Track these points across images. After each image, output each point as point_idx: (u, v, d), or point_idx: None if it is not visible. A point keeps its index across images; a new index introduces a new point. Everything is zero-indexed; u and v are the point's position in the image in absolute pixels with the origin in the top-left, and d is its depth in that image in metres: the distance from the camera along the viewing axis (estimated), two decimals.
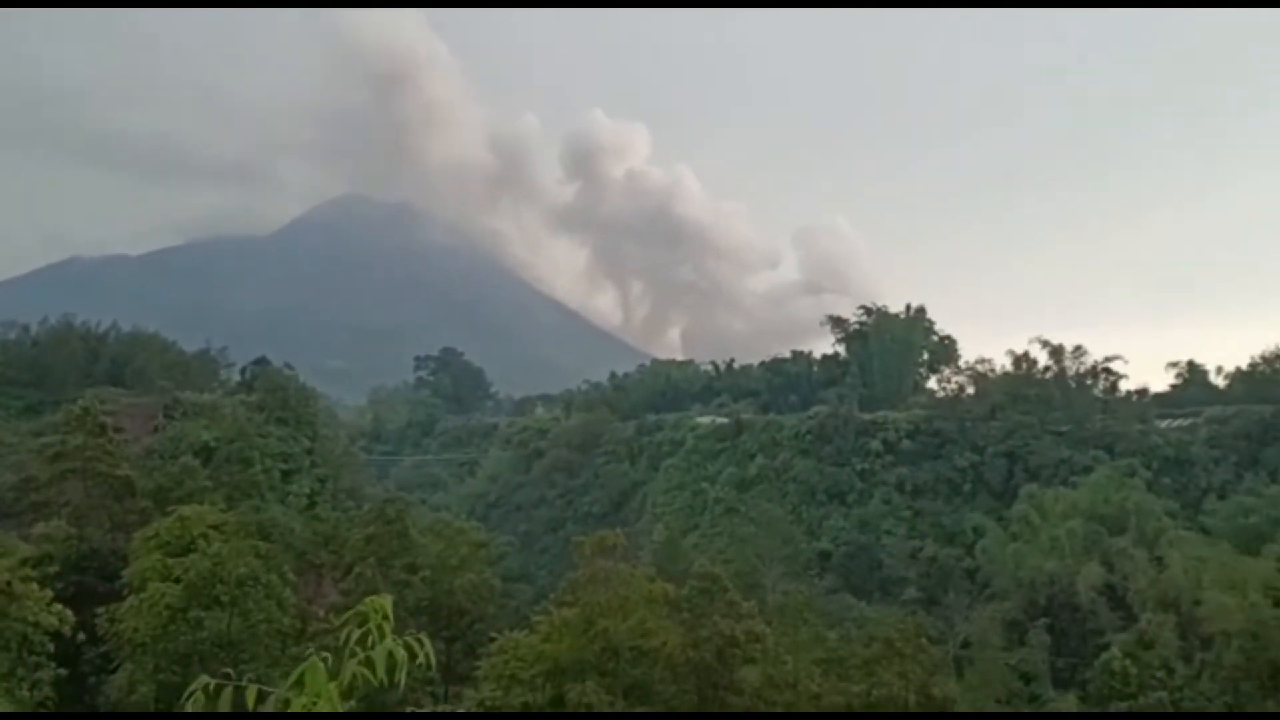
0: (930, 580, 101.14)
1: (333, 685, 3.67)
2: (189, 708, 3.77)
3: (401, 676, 3.79)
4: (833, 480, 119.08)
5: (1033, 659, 70.22)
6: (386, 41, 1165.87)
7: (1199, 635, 65.28)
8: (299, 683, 3.69)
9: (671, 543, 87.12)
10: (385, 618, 3.81)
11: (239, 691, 3.77)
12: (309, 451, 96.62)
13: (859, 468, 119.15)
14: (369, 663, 3.76)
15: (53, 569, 35.80)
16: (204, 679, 3.83)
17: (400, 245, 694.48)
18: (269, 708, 3.68)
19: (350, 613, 3.88)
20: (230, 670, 37.40)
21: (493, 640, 37.29)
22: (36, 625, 28.65)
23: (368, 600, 3.86)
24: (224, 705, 3.76)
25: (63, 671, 31.29)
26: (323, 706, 3.66)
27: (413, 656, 3.88)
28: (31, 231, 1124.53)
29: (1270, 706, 50.74)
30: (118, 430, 57.52)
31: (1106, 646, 66.35)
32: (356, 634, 3.74)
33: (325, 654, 3.70)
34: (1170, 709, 39.88)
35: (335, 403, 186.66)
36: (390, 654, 3.73)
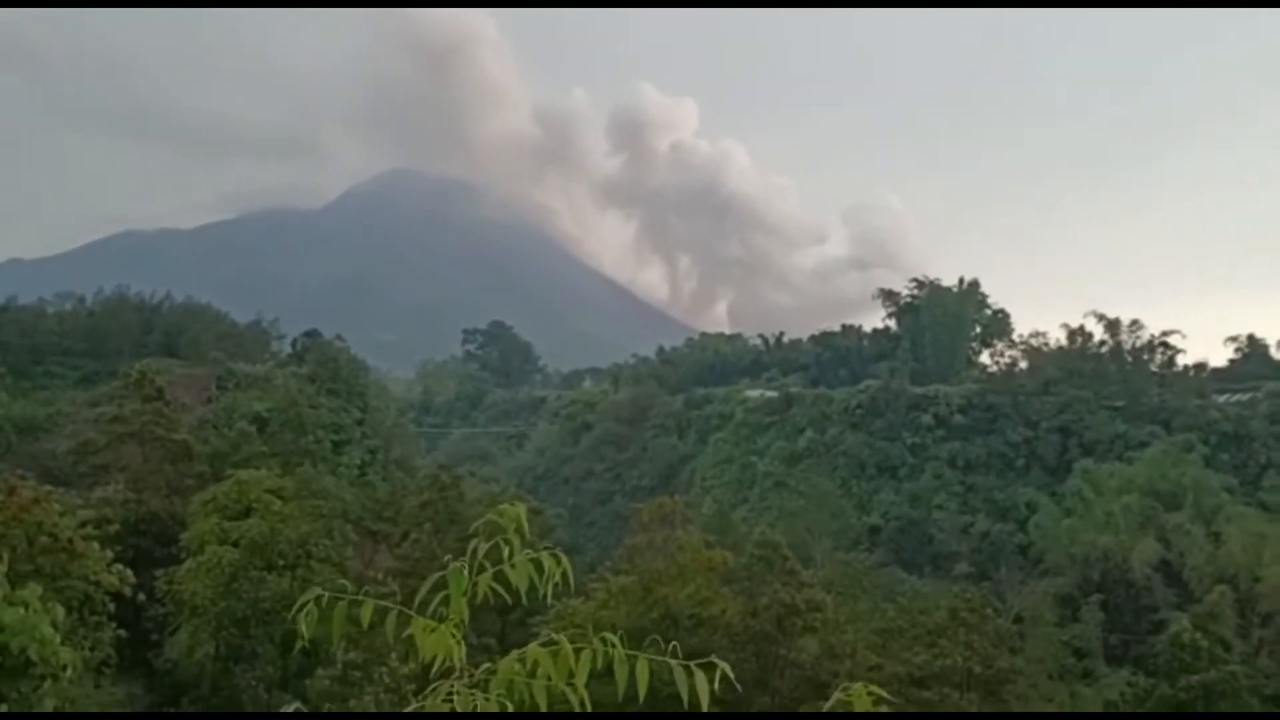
0: (982, 555, 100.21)
1: (463, 600, 3.33)
2: (301, 621, 3.44)
3: (547, 590, 3.44)
4: (883, 454, 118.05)
5: (1086, 634, 69.60)
6: (435, 15, 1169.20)
7: (1258, 612, 64.28)
8: (436, 589, 3.34)
9: (721, 516, 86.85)
10: (519, 528, 3.44)
11: (354, 605, 3.43)
12: (360, 423, 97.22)
13: (910, 442, 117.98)
14: (502, 577, 3.40)
15: (113, 528, 36.06)
16: (315, 591, 3.48)
17: (449, 219, 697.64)
18: (390, 623, 3.35)
19: (479, 521, 3.52)
20: (292, 629, 37.62)
21: (550, 608, 37.15)
22: (98, 585, 28.81)
23: (501, 508, 3.50)
24: (337, 619, 3.42)
25: (123, 633, 31.52)
26: (452, 620, 3.31)
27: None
28: (86, 206, 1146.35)
29: None
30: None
31: (1162, 623, 65.53)
32: (485, 547, 3.38)
33: (461, 563, 3.34)
34: (1242, 682, 39.04)
35: (385, 376, 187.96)
36: (534, 566, 3.35)
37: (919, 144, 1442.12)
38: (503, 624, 43.39)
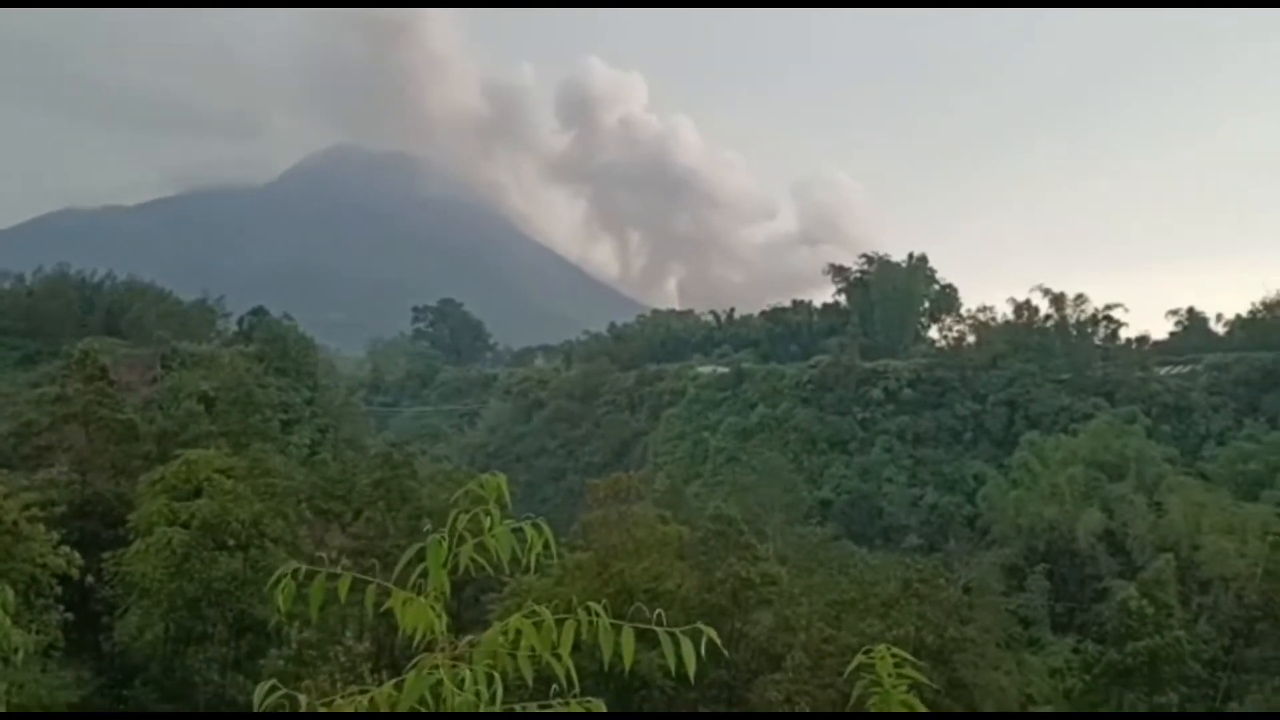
0: (931, 527, 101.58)
1: (443, 571, 3.27)
2: (278, 595, 3.37)
3: (531, 559, 3.39)
4: (834, 429, 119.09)
5: (1032, 603, 70.52)
6: None
7: (1196, 580, 65.60)
8: (415, 561, 3.28)
9: (674, 491, 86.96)
10: (500, 498, 3.39)
11: (331, 579, 3.37)
12: (309, 402, 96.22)
13: (860, 416, 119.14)
14: (483, 548, 3.35)
15: (58, 510, 35.42)
16: (292, 564, 3.42)
17: (397, 196, 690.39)
18: (369, 596, 3.29)
19: (460, 491, 3.46)
20: (244, 609, 37.17)
21: (503, 585, 37.07)
22: (44, 567, 28.36)
23: (483, 477, 3.44)
24: (316, 592, 3.36)
25: (70, 616, 31.07)
26: (432, 592, 3.26)
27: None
28: (25, 182, 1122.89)
29: (1268, 650, 51.23)
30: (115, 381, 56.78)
31: (1105, 591, 66.71)
32: (466, 518, 3.32)
33: (441, 534, 3.28)
34: (1185, 648, 40.03)
35: (334, 354, 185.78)
36: (516, 535, 3.30)
37: (867, 119, 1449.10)
38: (457, 602, 43.20)
